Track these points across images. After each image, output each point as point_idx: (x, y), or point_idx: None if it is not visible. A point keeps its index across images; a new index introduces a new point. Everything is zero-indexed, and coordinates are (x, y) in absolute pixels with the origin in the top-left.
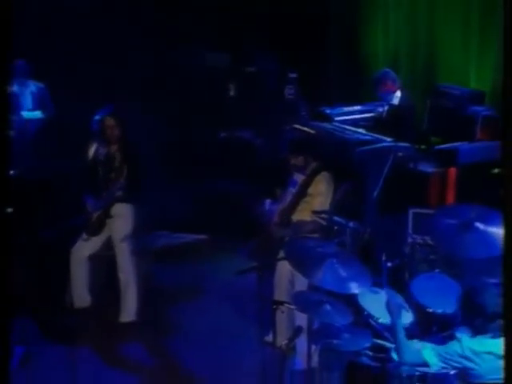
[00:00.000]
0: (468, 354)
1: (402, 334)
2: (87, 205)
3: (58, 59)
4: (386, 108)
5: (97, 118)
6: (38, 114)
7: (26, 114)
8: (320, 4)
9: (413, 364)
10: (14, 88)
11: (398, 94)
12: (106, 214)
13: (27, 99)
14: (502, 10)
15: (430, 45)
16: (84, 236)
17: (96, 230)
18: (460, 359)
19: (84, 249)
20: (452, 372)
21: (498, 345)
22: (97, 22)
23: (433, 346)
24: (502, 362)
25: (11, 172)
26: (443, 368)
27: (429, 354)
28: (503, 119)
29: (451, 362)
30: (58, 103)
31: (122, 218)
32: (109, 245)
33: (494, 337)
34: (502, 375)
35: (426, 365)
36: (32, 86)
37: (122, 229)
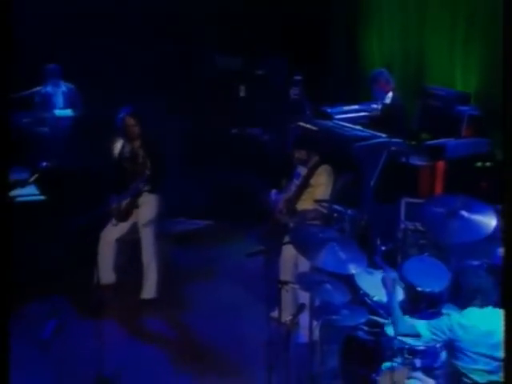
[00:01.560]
0: (455, 327)
1: (397, 307)
2: (116, 195)
3: (86, 63)
4: (379, 107)
5: (119, 117)
6: (68, 112)
7: (58, 112)
8: (322, 12)
9: (406, 334)
10: (48, 89)
11: (390, 94)
12: (133, 203)
13: (59, 99)
14: (486, 22)
15: (420, 51)
16: (113, 222)
17: (124, 216)
18: (447, 331)
19: (112, 233)
20: (438, 345)
21: (483, 320)
22: (120, 29)
23: (425, 321)
24: (486, 337)
25: (45, 164)
26: (433, 339)
27: (421, 327)
28: (503, 119)
29: (440, 334)
30: (86, 102)
31: (147, 207)
32: (134, 230)
33: (473, 306)
34: (485, 350)
35: (418, 336)
36: (63, 87)
37: (146, 216)
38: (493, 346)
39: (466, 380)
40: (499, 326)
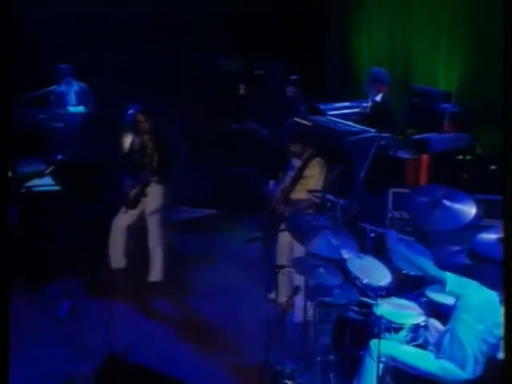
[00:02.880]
0: (476, 287)
1: (425, 261)
2: (126, 185)
3: (98, 63)
4: (369, 104)
5: (130, 113)
6: (81, 108)
7: (71, 109)
8: (316, 17)
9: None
10: (62, 88)
11: (380, 95)
12: (142, 193)
13: (72, 97)
14: (467, 25)
15: (406, 52)
16: (123, 209)
17: (133, 204)
18: (468, 287)
19: (123, 220)
20: (422, 323)
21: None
22: (129, 32)
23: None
24: (492, 312)
25: (59, 157)
26: (454, 290)
27: (449, 277)
28: (504, 121)
29: (461, 287)
30: (97, 100)
31: (154, 196)
32: (142, 217)
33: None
34: (489, 321)
35: (444, 283)
36: (76, 86)
37: (153, 205)
38: (494, 324)
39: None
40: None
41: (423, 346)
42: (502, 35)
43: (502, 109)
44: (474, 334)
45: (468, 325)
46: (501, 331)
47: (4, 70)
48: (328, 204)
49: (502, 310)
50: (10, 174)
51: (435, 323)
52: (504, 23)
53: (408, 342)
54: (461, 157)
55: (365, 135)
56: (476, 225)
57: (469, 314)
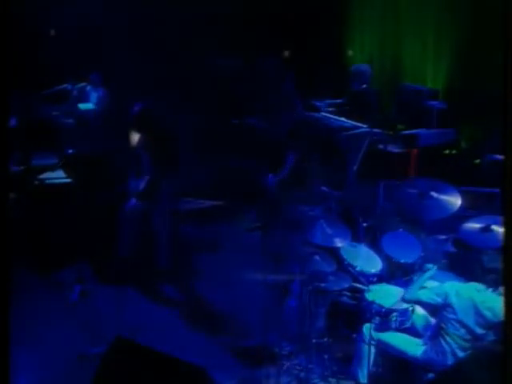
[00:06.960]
0: (451, 294)
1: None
2: (131, 177)
3: (105, 64)
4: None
5: (134, 110)
6: (91, 106)
7: (82, 106)
8: (312, 19)
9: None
10: (87, 88)
11: (364, 85)
12: (147, 184)
13: (93, 97)
14: (452, 30)
15: (396, 54)
16: (129, 201)
17: (138, 196)
18: (443, 297)
19: (129, 211)
20: (411, 308)
21: (480, 297)
22: (132, 34)
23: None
24: (475, 313)
25: (70, 151)
26: (430, 300)
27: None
28: (504, 122)
29: (435, 297)
30: (112, 99)
31: (158, 188)
32: (148, 208)
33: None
34: (471, 323)
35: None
36: (100, 91)
37: (158, 196)
38: (477, 323)
39: (443, 343)
40: (490, 308)
41: (411, 329)
42: (503, 34)
43: (502, 108)
44: (456, 341)
45: (449, 334)
46: (480, 330)
47: (4, 70)
48: (323, 196)
49: (484, 308)
50: (22, 167)
51: (419, 309)
52: (504, 22)
53: (397, 326)
54: (447, 151)
55: (357, 130)
56: (461, 215)
57: (449, 325)
